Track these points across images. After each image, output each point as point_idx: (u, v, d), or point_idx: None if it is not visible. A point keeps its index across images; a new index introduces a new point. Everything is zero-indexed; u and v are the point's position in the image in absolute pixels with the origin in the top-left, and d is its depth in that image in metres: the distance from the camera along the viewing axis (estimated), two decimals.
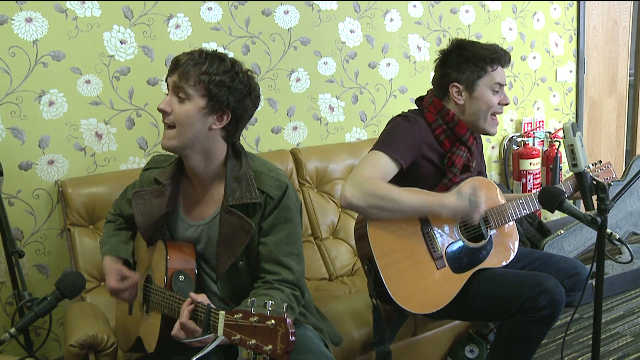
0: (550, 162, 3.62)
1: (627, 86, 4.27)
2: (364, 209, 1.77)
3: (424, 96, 2.06)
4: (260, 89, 1.62)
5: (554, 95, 3.87)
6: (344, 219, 2.73)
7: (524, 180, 3.53)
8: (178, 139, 1.52)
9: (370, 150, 1.87)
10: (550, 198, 1.76)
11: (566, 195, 1.74)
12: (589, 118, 4.08)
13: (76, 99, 2.34)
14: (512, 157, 3.60)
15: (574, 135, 1.55)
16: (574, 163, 1.57)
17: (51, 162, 2.32)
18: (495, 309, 1.83)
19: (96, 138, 2.40)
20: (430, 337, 2.22)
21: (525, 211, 1.98)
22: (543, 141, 3.76)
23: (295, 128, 2.87)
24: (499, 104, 1.94)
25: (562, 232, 3.03)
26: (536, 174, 3.53)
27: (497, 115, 1.96)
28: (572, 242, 3.11)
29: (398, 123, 1.92)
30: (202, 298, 1.38)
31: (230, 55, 1.64)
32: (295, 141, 2.88)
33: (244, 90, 1.53)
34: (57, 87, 2.29)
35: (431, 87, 2.04)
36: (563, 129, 1.57)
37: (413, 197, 1.78)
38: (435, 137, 1.94)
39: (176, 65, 1.51)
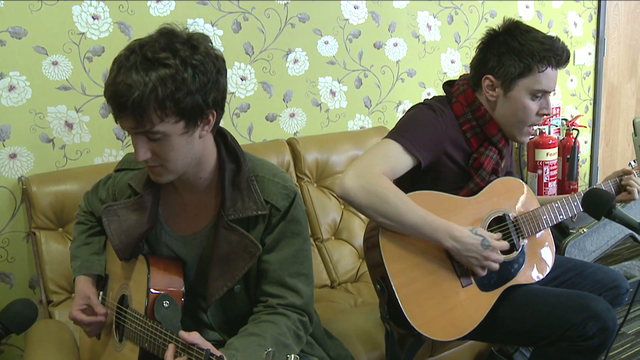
0: (567, 152, 3.35)
1: None
2: (361, 206, 1.49)
3: (454, 81, 1.76)
4: (227, 68, 1.29)
5: (571, 80, 3.59)
6: (347, 217, 2.47)
7: (539, 172, 3.26)
8: (171, 172, 1.26)
9: (383, 138, 1.59)
10: (598, 203, 1.52)
11: None
12: (607, 104, 3.82)
13: (41, 83, 2.05)
14: (527, 146, 3.32)
15: None
16: None
17: (13, 156, 2.04)
18: (531, 335, 1.57)
19: (66, 128, 2.11)
20: (448, 357, 1.96)
21: (562, 217, 1.71)
22: (559, 129, 3.49)
23: (292, 115, 2.61)
24: (537, 113, 1.63)
25: (585, 230, 2.77)
26: (553, 165, 3.26)
27: (533, 127, 1.67)
28: (594, 240, 2.85)
29: (421, 111, 1.63)
30: (197, 338, 1.11)
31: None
32: (292, 130, 2.62)
33: (212, 74, 1.20)
34: (18, 69, 2.00)
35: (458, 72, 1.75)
36: (634, 123, 1.29)
37: (419, 215, 1.49)
38: (462, 132, 1.65)
39: (122, 107, 1.13)
